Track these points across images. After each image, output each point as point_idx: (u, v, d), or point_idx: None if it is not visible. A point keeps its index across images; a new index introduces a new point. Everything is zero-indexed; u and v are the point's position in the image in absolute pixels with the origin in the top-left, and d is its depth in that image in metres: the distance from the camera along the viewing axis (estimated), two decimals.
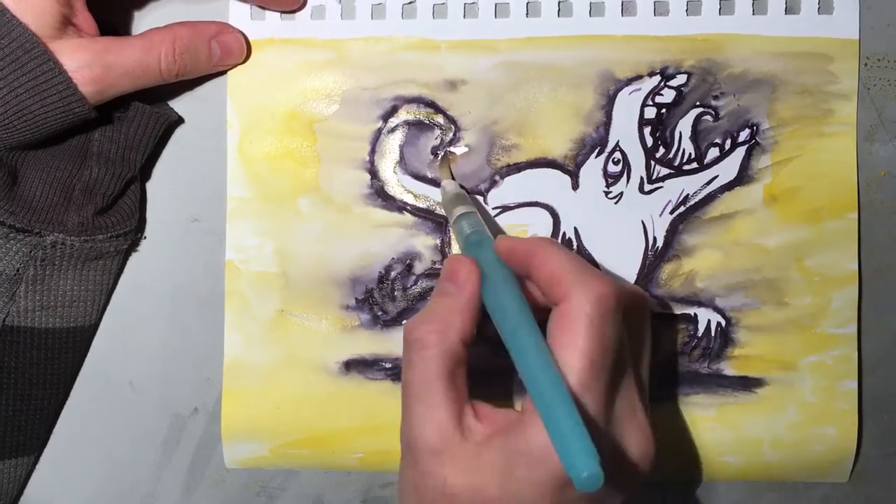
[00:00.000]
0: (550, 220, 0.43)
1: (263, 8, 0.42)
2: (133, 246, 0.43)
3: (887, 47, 0.42)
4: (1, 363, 0.41)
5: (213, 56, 0.41)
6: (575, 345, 0.32)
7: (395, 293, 0.43)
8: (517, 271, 0.36)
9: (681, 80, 0.42)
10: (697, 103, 0.42)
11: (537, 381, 0.31)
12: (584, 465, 0.28)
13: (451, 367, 0.35)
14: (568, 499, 0.32)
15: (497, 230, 0.42)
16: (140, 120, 0.41)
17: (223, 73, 0.43)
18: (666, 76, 0.42)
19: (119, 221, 0.41)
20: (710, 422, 0.43)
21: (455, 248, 0.43)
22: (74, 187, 0.40)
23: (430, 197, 0.43)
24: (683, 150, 0.42)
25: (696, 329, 0.43)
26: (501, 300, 0.35)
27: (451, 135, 0.42)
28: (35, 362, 0.41)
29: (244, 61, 0.42)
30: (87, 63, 0.37)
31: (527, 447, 0.32)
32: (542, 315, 0.34)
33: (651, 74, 0.42)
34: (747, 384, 0.43)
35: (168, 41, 0.39)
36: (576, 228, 0.43)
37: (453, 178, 0.43)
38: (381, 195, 0.43)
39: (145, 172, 0.43)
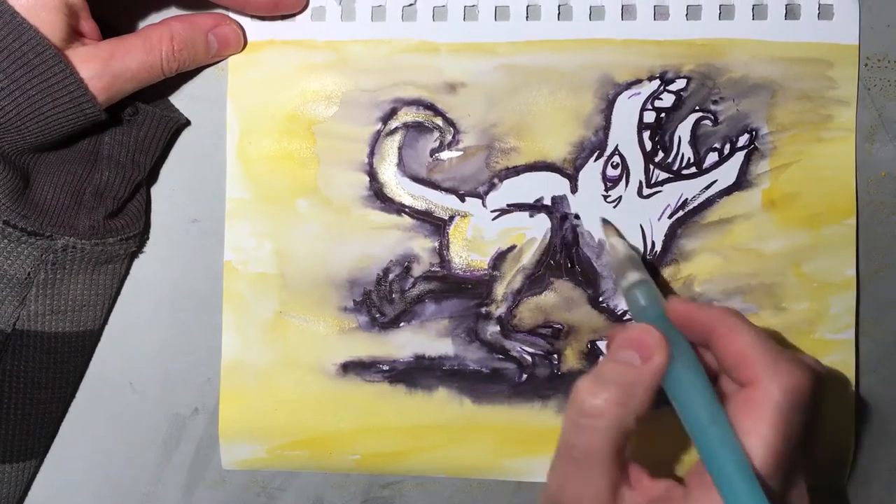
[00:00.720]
0: (549, 224, 0.43)
1: (263, 19, 0.43)
2: (139, 248, 0.44)
3: (887, 48, 0.43)
4: (11, 367, 0.42)
5: (211, 48, 0.42)
6: (760, 433, 0.32)
7: (393, 295, 0.43)
8: (690, 338, 0.36)
9: (680, 84, 0.42)
10: (697, 108, 0.43)
11: (730, 479, 0.31)
12: None
13: (620, 443, 0.34)
14: None
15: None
16: (150, 123, 0.42)
17: (222, 66, 0.44)
18: (665, 80, 0.42)
19: (128, 224, 0.42)
20: None
21: (456, 252, 0.43)
22: (85, 191, 0.42)
23: (429, 199, 0.44)
24: (682, 155, 0.43)
25: None
26: (685, 381, 0.34)
27: (450, 137, 0.43)
28: (44, 366, 0.43)
29: (241, 51, 0.44)
30: (98, 73, 0.39)
31: None
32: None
33: (650, 79, 0.42)
34: None
35: (167, 39, 0.41)
36: (574, 233, 0.43)
37: (620, 237, 0.43)
38: (379, 197, 0.43)
39: (147, 173, 0.43)
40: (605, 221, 0.43)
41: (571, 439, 0.34)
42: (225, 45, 0.43)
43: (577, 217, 0.43)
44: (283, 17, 0.43)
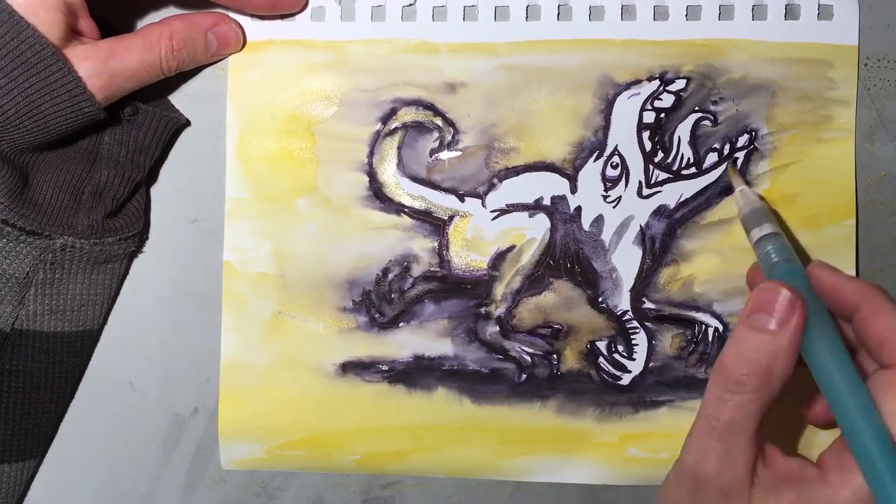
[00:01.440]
0: (548, 224, 0.43)
1: (263, 18, 0.43)
2: (139, 248, 0.44)
3: (887, 48, 0.43)
4: (10, 367, 0.42)
5: (211, 47, 0.43)
6: None
7: (393, 295, 0.44)
8: (832, 309, 0.36)
9: (680, 84, 0.42)
10: (696, 108, 0.43)
11: (872, 454, 0.31)
12: None
13: (763, 414, 0.34)
14: None
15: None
16: (149, 123, 0.42)
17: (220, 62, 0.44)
18: (665, 81, 0.42)
19: (127, 224, 0.42)
20: None
21: (456, 252, 0.43)
22: (84, 190, 0.42)
23: (428, 199, 0.44)
24: (682, 155, 0.43)
25: (694, 334, 0.44)
26: (824, 351, 0.34)
27: (449, 137, 0.43)
28: (43, 366, 0.43)
29: (241, 50, 0.44)
30: (96, 72, 0.39)
31: None
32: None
33: (650, 79, 0.43)
34: None
35: (166, 37, 0.41)
36: (574, 232, 0.43)
37: (748, 185, 0.42)
38: (379, 197, 0.44)
39: (147, 173, 0.44)
40: (733, 166, 0.43)
41: (714, 411, 0.34)
42: (224, 43, 0.43)
43: (577, 212, 0.43)
44: (283, 17, 0.43)
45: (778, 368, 0.34)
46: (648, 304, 0.44)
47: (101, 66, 0.39)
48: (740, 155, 0.43)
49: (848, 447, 0.33)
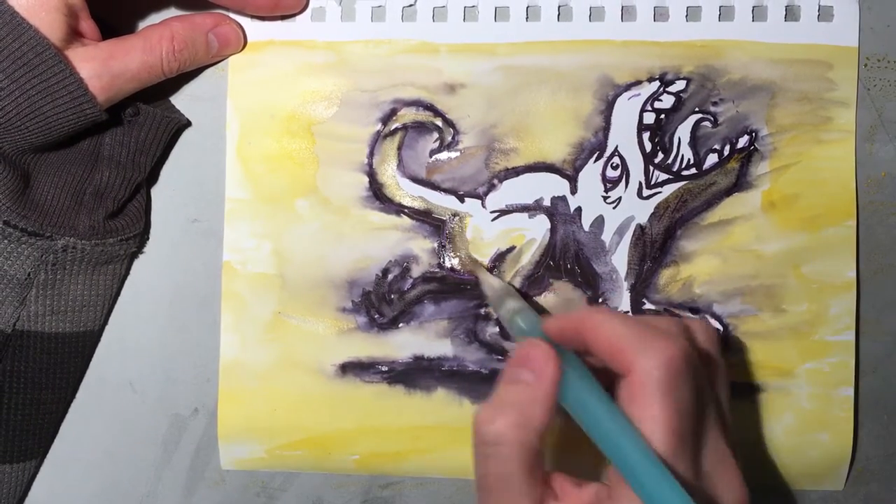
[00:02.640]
0: (548, 225, 0.43)
1: (263, 19, 0.43)
2: (139, 249, 0.45)
3: (887, 48, 0.44)
4: (11, 368, 0.42)
5: (212, 48, 0.43)
6: (652, 416, 0.32)
7: (392, 296, 0.44)
8: (575, 348, 0.36)
9: (680, 85, 0.43)
10: (696, 109, 0.43)
11: (634, 469, 0.31)
12: None
13: (531, 462, 0.33)
14: None
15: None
16: (150, 124, 0.42)
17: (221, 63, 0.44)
18: (665, 82, 0.43)
19: (128, 225, 0.42)
20: None
21: (456, 252, 0.43)
22: (85, 191, 0.42)
23: (428, 200, 0.44)
24: (682, 156, 0.43)
25: None
26: (581, 392, 0.34)
27: (449, 138, 0.43)
28: (44, 367, 0.43)
29: (242, 50, 0.44)
30: (97, 73, 0.39)
31: None
32: (604, 378, 0.35)
33: (650, 80, 0.43)
34: (744, 390, 0.45)
35: (167, 39, 0.41)
36: (574, 233, 0.43)
37: (489, 272, 0.44)
38: (379, 198, 0.44)
39: (147, 174, 0.44)
40: (474, 261, 0.44)
41: (482, 472, 0.34)
42: (225, 44, 0.43)
43: (577, 213, 0.44)
44: (283, 18, 0.44)
45: (535, 417, 0.34)
46: (648, 305, 0.44)
47: (102, 67, 0.39)
48: (740, 156, 0.43)
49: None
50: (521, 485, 0.33)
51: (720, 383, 0.37)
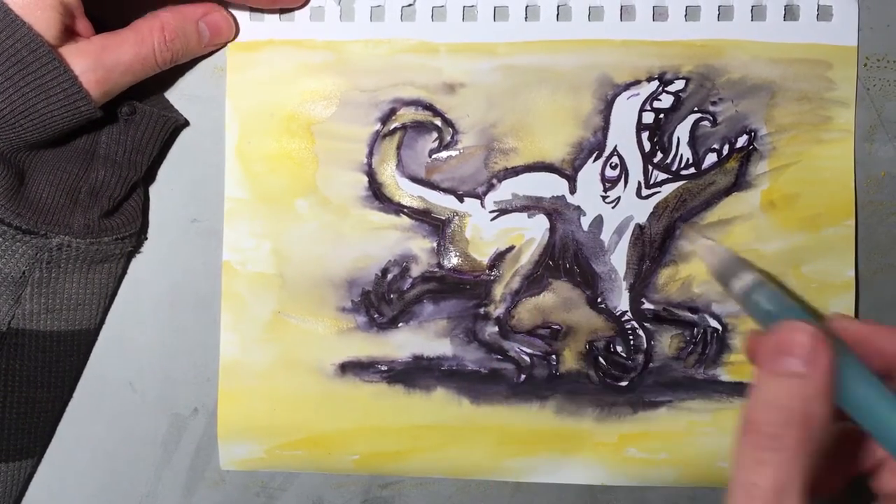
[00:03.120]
0: (547, 224, 0.43)
1: (263, 12, 0.43)
2: (136, 248, 0.45)
3: (887, 47, 0.44)
4: (7, 366, 0.42)
5: (203, 38, 0.43)
6: None
7: (392, 296, 0.44)
8: (865, 362, 0.32)
9: (679, 85, 0.43)
10: (695, 109, 0.43)
11: None
12: None
13: (811, 467, 0.29)
14: None
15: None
16: (147, 123, 0.42)
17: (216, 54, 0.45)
18: (664, 81, 0.43)
19: (124, 224, 0.42)
20: (705, 427, 0.45)
21: (455, 252, 0.43)
22: (81, 189, 0.42)
23: (428, 199, 0.44)
24: (681, 156, 0.43)
25: (693, 335, 0.44)
26: (865, 388, 0.30)
27: (448, 138, 0.43)
28: (40, 365, 0.43)
29: (234, 39, 0.44)
30: (91, 67, 0.39)
31: None
32: None
33: (649, 79, 0.43)
34: (743, 390, 0.45)
35: (157, 29, 0.41)
36: (573, 233, 0.43)
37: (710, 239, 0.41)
38: (378, 197, 0.44)
39: (145, 173, 0.44)
40: (691, 233, 0.43)
41: (754, 478, 0.29)
42: (216, 32, 0.43)
43: (576, 213, 0.44)
44: (283, 17, 0.44)
45: (817, 413, 0.29)
46: (647, 305, 0.44)
47: (95, 61, 0.39)
48: (740, 155, 0.43)
49: None
50: (796, 499, 0.29)
51: None
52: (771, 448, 0.29)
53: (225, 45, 0.44)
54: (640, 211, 0.44)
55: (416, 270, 0.45)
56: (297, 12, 0.44)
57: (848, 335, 0.32)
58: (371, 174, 0.44)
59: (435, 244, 0.44)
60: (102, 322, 0.45)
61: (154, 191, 0.45)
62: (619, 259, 0.44)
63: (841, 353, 0.30)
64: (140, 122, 0.42)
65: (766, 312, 0.34)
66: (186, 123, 0.45)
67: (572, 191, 0.44)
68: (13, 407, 0.43)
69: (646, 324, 0.44)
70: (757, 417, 0.30)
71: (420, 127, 0.44)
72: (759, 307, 0.34)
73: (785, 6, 0.43)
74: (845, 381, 0.30)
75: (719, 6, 0.43)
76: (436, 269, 0.44)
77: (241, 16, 0.44)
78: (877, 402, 0.30)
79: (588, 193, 0.44)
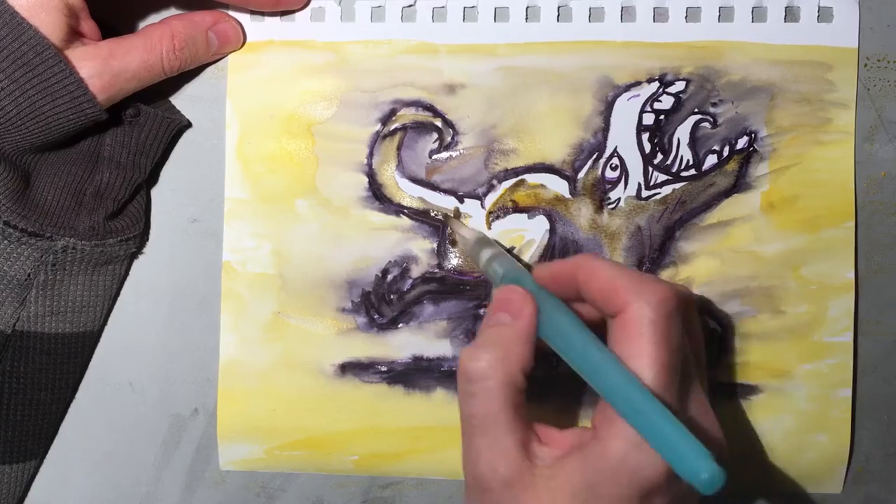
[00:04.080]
0: (547, 225, 0.43)
1: (265, 15, 0.43)
2: (139, 249, 0.45)
3: (887, 48, 0.44)
4: (11, 368, 0.43)
5: (212, 46, 0.43)
6: (644, 353, 0.33)
7: (392, 296, 0.44)
8: (562, 296, 0.37)
9: (679, 86, 0.43)
10: (696, 110, 0.43)
11: (626, 396, 0.32)
12: (703, 466, 0.29)
13: (514, 397, 0.35)
14: None
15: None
16: (151, 125, 0.42)
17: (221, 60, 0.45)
18: (664, 83, 0.43)
19: (128, 225, 0.43)
20: None
21: (455, 253, 0.44)
22: (86, 192, 0.42)
23: (428, 200, 0.44)
24: (681, 157, 0.43)
25: None
26: (559, 324, 0.36)
27: (449, 138, 0.43)
28: (44, 367, 0.43)
29: (241, 47, 0.44)
30: (97, 72, 0.39)
31: (607, 463, 0.33)
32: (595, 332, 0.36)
33: (650, 81, 0.43)
34: (742, 391, 0.45)
35: (167, 37, 0.41)
36: (573, 234, 0.43)
37: (463, 225, 0.44)
38: (378, 198, 0.44)
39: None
40: (446, 216, 0.44)
41: (468, 410, 0.35)
42: (225, 41, 0.43)
43: (576, 214, 0.44)
44: (283, 17, 0.44)
45: (517, 353, 0.35)
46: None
47: (103, 66, 0.39)
48: (740, 157, 0.43)
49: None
50: (506, 422, 0.34)
51: (702, 346, 0.39)
52: (478, 382, 0.35)
53: (232, 52, 0.44)
54: (640, 212, 0.44)
55: (416, 271, 0.45)
56: (297, 13, 0.44)
57: (542, 281, 0.38)
58: (371, 175, 0.44)
59: (435, 245, 0.45)
60: (105, 324, 0.46)
61: (154, 191, 0.45)
62: (618, 260, 0.44)
63: (547, 302, 0.37)
64: (144, 124, 0.42)
65: (499, 276, 0.40)
66: (189, 125, 0.45)
67: (572, 192, 0.44)
68: (17, 409, 0.43)
69: None
70: (467, 355, 0.35)
71: (420, 128, 0.44)
72: (494, 272, 0.40)
73: (785, 8, 0.43)
74: (549, 325, 0.36)
75: (720, 7, 0.43)
76: (436, 270, 0.45)
77: (242, 17, 0.44)
78: (569, 337, 0.35)
79: (588, 194, 0.44)
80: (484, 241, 0.42)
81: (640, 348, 0.33)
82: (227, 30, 0.43)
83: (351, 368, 0.45)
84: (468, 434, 0.35)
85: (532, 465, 0.34)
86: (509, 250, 0.44)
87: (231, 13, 0.43)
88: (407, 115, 0.44)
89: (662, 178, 0.44)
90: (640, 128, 0.44)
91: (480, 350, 0.35)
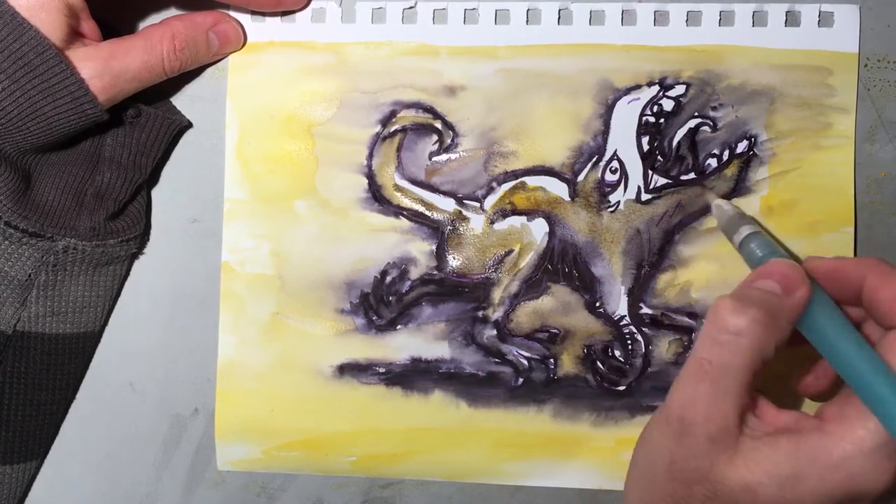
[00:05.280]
0: (547, 228, 0.43)
1: (265, 15, 0.43)
2: (139, 250, 0.45)
3: (887, 48, 0.44)
4: (12, 369, 0.43)
5: (212, 47, 0.43)
6: None
7: (390, 298, 0.44)
8: (833, 292, 0.37)
9: (679, 90, 0.43)
10: (696, 114, 0.43)
11: (886, 401, 0.32)
12: None
13: (757, 364, 0.34)
14: None
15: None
16: (152, 125, 0.43)
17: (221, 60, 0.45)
18: (665, 86, 0.43)
19: (129, 226, 0.43)
20: None
21: (454, 255, 0.44)
22: (87, 192, 0.42)
23: (427, 202, 0.44)
24: (681, 161, 0.43)
25: (691, 340, 0.45)
26: (829, 319, 0.35)
27: (449, 140, 0.43)
28: (45, 368, 0.44)
29: (242, 48, 0.44)
30: (98, 73, 0.39)
31: (828, 459, 0.32)
32: None
33: (650, 84, 0.43)
34: None
35: (168, 38, 0.41)
36: (572, 237, 0.43)
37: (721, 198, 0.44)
38: (377, 199, 0.44)
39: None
40: (703, 185, 0.44)
41: (710, 354, 0.34)
42: (225, 42, 0.43)
43: (576, 217, 0.44)
44: (284, 18, 0.44)
45: (778, 326, 0.34)
46: (646, 310, 0.44)
47: (103, 67, 0.39)
48: (739, 161, 0.44)
49: (857, 400, 0.33)
50: (740, 382, 0.34)
51: None
52: (732, 333, 0.34)
53: (232, 53, 0.44)
54: (640, 215, 0.44)
55: (414, 273, 0.45)
56: (298, 14, 0.44)
57: (819, 273, 0.37)
58: (371, 176, 0.45)
59: (434, 247, 0.45)
60: (106, 324, 0.46)
61: (155, 192, 0.46)
62: (617, 264, 0.44)
63: (818, 293, 0.36)
64: (145, 124, 0.43)
65: (758, 258, 0.39)
66: (190, 125, 0.45)
67: (572, 195, 0.44)
68: (18, 409, 0.44)
69: (644, 328, 0.44)
70: (727, 305, 0.34)
71: (420, 129, 0.44)
72: (753, 253, 0.39)
73: (786, 12, 0.43)
74: (816, 316, 0.35)
75: (720, 12, 0.43)
76: (434, 272, 0.45)
77: (243, 17, 0.44)
78: (838, 334, 0.34)
79: (588, 197, 0.44)
80: (742, 217, 0.41)
81: None
82: (228, 30, 0.43)
83: (349, 370, 0.45)
84: (695, 376, 0.35)
85: (740, 432, 0.34)
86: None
87: (232, 14, 0.44)
88: (407, 117, 0.44)
89: (662, 181, 0.44)
90: (640, 131, 0.44)
91: (746, 306, 0.34)
